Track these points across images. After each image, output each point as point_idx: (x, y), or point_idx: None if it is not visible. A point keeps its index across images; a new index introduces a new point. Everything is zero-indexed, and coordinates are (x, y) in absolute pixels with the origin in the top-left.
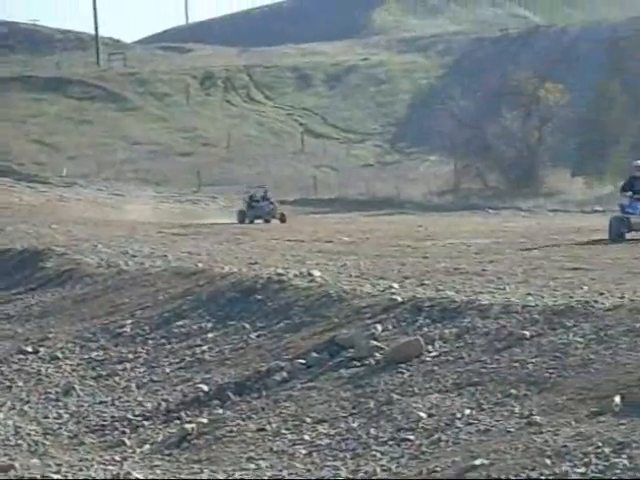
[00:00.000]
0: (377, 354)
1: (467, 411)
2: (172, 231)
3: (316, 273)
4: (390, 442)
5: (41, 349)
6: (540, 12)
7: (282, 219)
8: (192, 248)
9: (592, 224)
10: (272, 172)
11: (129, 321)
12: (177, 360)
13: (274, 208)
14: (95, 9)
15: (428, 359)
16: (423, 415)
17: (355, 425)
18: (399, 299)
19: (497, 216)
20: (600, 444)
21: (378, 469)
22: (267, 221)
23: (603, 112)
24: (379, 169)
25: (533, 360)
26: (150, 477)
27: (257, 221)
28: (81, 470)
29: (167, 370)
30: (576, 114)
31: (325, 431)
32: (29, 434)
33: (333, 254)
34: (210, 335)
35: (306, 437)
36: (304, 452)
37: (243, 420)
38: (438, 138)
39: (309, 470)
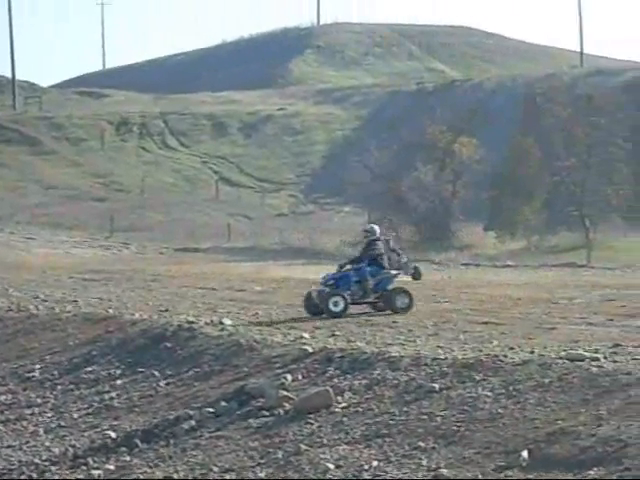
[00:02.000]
0: (286, 404)
1: (375, 463)
2: (84, 276)
3: (227, 322)
4: None
5: None
6: (456, 67)
7: (415, 274)
8: (103, 294)
9: (503, 279)
10: (186, 219)
11: (38, 366)
12: (85, 406)
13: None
14: (12, 52)
15: (337, 410)
16: (331, 466)
17: (262, 475)
18: (310, 349)
19: None
20: None
21: None
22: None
23: (517, 167)
24: (293, 219)
25: (442, 413)
26: None
27: None
28: None
29: (75, 416)
30: (490, 168)
31: None
32: None
33: (245, 303)
34: (119, 382)
35: None
36: None
37: (150, 468)
38: (352, 189)
39: None
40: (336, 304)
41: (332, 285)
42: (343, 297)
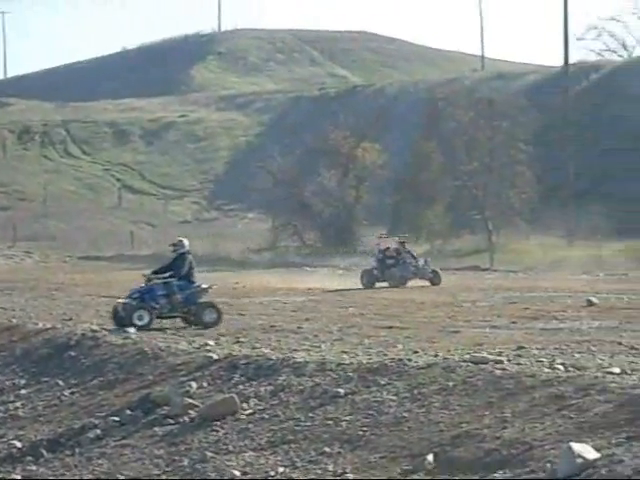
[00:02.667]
0: (192, 412)
1: (280, 469)
2: None
3: (131, 330)
4: None
5: None
6: (358, 72)
7: (434, 279)
8: (6, 303)
9: (408, 284)
10: (89, 227)
11: None
12: None
13: (424, 265)
14: None
15: (243, 417)
16: (237, 473)
17: None
18: (215, 356)
19: (314, 274)
20: None
21: None
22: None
23: (419, 172)
24: (197, 225)
25: (347, 418)
26: None
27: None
28: None
29: None
30: (393, 173)
31: None
32: None
33: None
34: (24, 391)
35: None
36: None
37: (56, 477)
38: (256, 196)
39: None
40: (140, 318)
41: (137, 299)
42: (148, 310)
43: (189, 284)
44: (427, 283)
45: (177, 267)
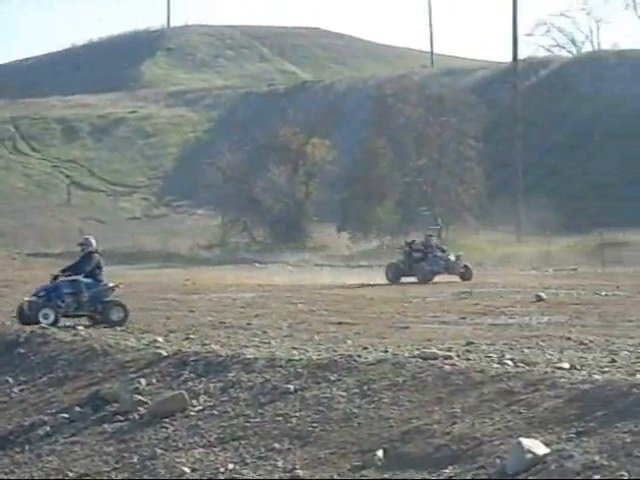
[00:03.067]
0: (141, 408)
1: (230, 465)
2: None
3: (79, 327)
4: None
5: None
6: (308, 68)
7: (466, 274)
8: None
9: (357, 279)
10: (38, 224)
11: None
12: None
13: (456, 260)
14: None
15: (193, 413)
16: (187, 470)
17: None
18: (164, 353)
19: (264, 270)
20: None
21: None
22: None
23: (369, 168)
24: (146, 222)
25: (297, 414)
26: None
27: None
28: None
29: None
30: (343, 169)
31: None
32: None
33: None
34: None
35: None
36: None
37: (5, 474)
38: (206, 192)
39: None
40: (46, 316)
41: (43, 297)
42: (54, 309)
43: (96, 283)
44: (456, 278)
45: (82, 266)
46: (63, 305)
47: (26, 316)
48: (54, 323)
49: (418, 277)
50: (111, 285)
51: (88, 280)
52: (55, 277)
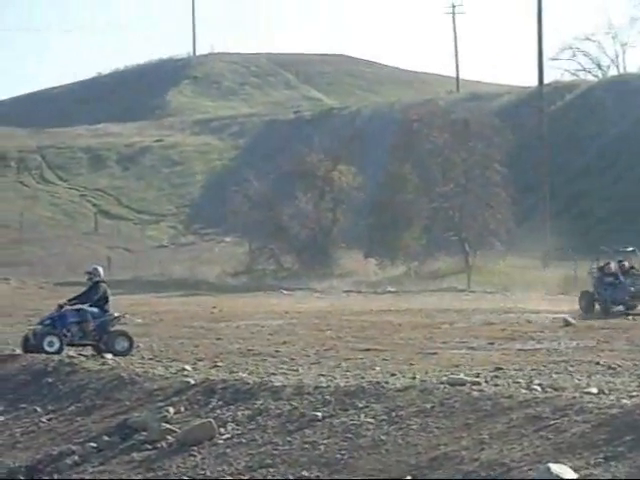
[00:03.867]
0: (169, 437)
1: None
2: None
3: (108, 356)
4: None
5: None
6: (333, 95)
7: None
8: None
9: (385, 305)
10: (66, 253)
11: None
12: None
13: None
14: None
15: (221, 442)
16: None
17: None
18: (192, 381)
19: (291, 297)
20: None
21: None
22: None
23: (395, 193)
24: (174, 250)
25: (325, 441)
26: None
27: (617, 308)
28: None
29: None
30: (369, 195)
31: None
32: None
33: None
34: (1, 418)
35: None
36: None
37: None
38: (232, 219)
39: None
40: (51, 344)
41: (49, 325)
42: (59, 337)
43: (102, 312)
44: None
45: (90, 295)
46: (68, 334)
47: (31, 345)
48: (58, 351)
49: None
50: (116, 315)
51: (94, 309)
52: (61, 306)
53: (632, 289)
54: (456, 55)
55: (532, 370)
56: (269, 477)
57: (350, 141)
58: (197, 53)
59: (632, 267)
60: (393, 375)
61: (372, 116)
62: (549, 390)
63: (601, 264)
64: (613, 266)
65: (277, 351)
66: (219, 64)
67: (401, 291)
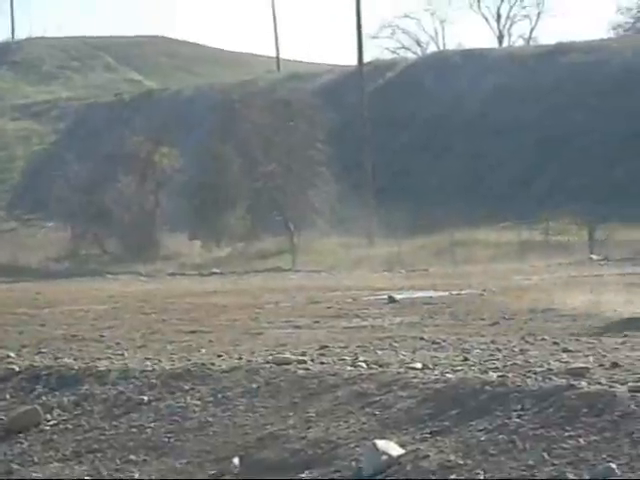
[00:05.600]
0: None
1: (87, 478)
2: None
3: None
4: None
5: None
6: (153, 76)
7: None
8: None
9: (210, 287)
10: None
11: None
12: None
13: None
14: None
15: (47, 428)
16: None
17: None
18: (16, 368)
19: (116, 281)
20: None
21: None
22: None
23: (217, 175)
24: None
25: (151, 425)
26: None
27: None
28: None
29: None
30: (192, 177)
31: None
32: None
33: None
34: None
35: None
36: None
37: None
38: (55, 204)
39: None
40: None
41: None
42: None
43: None
44: None
45: None
46: None
47: None
48: None
49: None
50: None
51: None
52: None
53: None
54: (275, 35)
55: (357, 347)
56: (96, 462)
57: (171, 123)
58: (16, 38)
59: None
60: (219, 356)
61: (193, 97)
62: (374, 366)
63: None
64: None
65: (102, 336)
66: (38, 48)
67: (227, 272)
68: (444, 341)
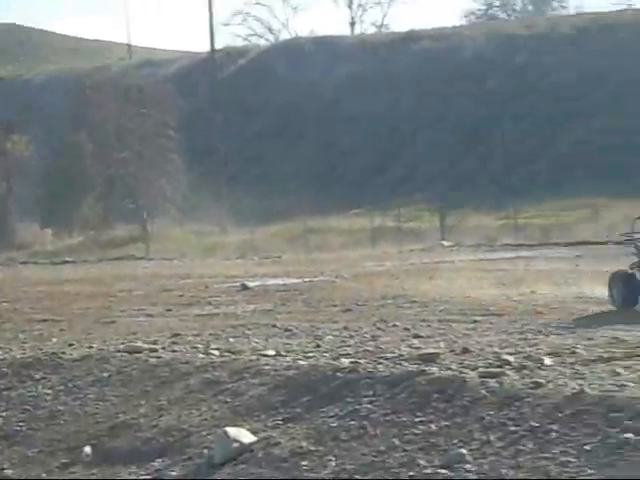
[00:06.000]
0: None
1: None
2: None
3: None
4: None
5: None
6: (4, 64)
7: None
8: None
9: (62, 275)
10: None
11: None
12: None
13: None
14: None
15: None
16: None
17: None
18: None
19: None
20: None
21: None
22: None
23: (70, 162)
24: None
25: (3, 414)
26: None
27: None
28: None
29: None
30: (44, 165)
31: None
32: None
33: None
34: None
35: None
36: None
37: None
38: None
39: None
40: None
41: None
42: None
43: None
44: None
45: None
46: None
47: None
48: None
49: None
50: None
51: None
52: None
53: None
54: (127, 22)
55: (210, 335)
56: None
57: (22, 110)
58: None
59: None
60: (70, 345)
61: (45, 85)
62: (226, 354)
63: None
64: None
65: None
66: None
67: (79, 261)
68: (297, 328)
